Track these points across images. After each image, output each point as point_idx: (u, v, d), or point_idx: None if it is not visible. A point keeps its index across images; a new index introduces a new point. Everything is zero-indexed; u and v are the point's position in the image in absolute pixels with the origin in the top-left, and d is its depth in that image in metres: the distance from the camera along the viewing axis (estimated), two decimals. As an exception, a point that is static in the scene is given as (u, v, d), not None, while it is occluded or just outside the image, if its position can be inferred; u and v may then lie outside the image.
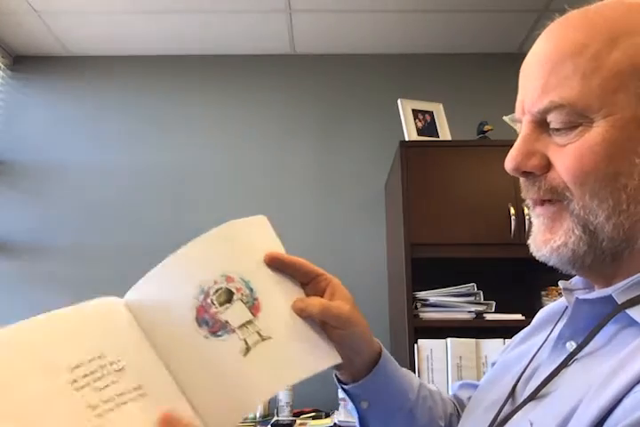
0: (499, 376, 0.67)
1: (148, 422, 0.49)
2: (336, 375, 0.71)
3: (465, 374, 1.98)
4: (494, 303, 2.10)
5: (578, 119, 0.51)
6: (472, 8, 2.52)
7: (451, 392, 0.84)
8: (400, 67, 2.83)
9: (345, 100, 2.80)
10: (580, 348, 0.52)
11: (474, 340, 2.01)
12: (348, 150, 2.73)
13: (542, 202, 0.56)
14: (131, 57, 2.84)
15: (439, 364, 2.00)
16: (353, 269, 2.47)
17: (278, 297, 0.61)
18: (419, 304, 2.09)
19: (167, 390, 0.53)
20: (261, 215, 0.68)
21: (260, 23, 2.62)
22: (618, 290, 0.51)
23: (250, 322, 0.57)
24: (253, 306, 0.59)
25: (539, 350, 0.62)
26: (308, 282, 0.65)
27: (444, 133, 2.33)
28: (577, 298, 0.56)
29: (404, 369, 0.74)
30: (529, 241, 0.58)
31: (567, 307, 0.62)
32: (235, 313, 0.57)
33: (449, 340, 2.01)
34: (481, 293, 2.12)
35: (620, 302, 0.51)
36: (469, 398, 0.75)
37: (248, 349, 0.56)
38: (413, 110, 2.33)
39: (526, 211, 2.03)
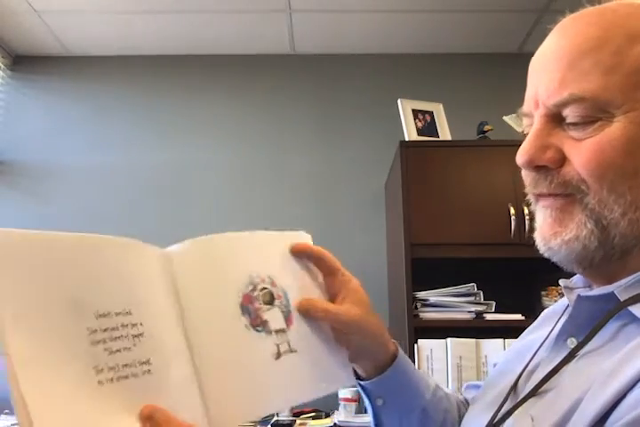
0: (500, 374, 0.67)
1: (135, 409, 0.45)
2: (354, 370, 0.71)
3: (465, 374, 1.98)
4: (494, 303, 2.10)
5: (597, 114, 0.51)
6: (472, 8, 2.52)
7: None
8: (400, 67, 2.83)
9: (345, 100, 2.80)
10: (581, 345, 0.53)
11: (474, 340, 2.01)
12: (348, 150, 2.73)
13: (550, 195, 0.55)
14: (131, 57, 2.84)
15: (439, 364, 2.00)
16: (353, 269, 2.46)
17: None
18: (419, 304, 2.09)
19: (178, 371, 0.49)
20: (307, 234, 0.70)
21: (259, 23, 2.62)
22: (620, 287, 0.51)
23: (283, 331, 0.57)
24: (288, 317, 0.59)
25: (540, 346, 0.62)
26: (328, 275, 0.68)
27: (444, 133, 2.33)
28: (579, 295, 0.56)
29: (420, 371, 0.75)
30: (535, 234, 0.57)
31: (568, 305, 0.62)
32: (274, 317, 0.57)
33: (449, 340, 2.01)
34: (481, 293, 2.12)
35: (622, 300, 0.51)
36: (474, 398, 0.75)
37: (279, 355, 0.56)
38: (413, 110, 2.33)
39: (526, 211, 2.03)
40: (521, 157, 0.55)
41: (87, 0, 2.43)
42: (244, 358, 0.53)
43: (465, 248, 2.08)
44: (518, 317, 2.06)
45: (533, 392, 0.54)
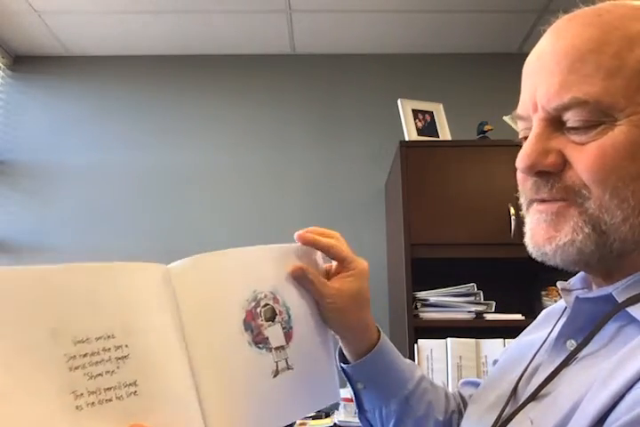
0: (500, 376, 0.67)
1: None
2: (340, 352, 0.73)
3: (465, 374, 1.98)
4: (494, 303, 2.10)
5: (600, 117, 0.50)
6: (472, 8, 2.52)
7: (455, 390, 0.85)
8: (400, 67, 2.83)
9: (345, 99, 2.80)
10: (580, 347, 0.52)
11: (474, 340, 2.01)
12: (348, 150, 2.73)
13: (550, 201, 0.54)
14: (131, 57, 2.84)
15: (439, 364, 2.00)
16: (353, 269, 2.46)
17: (306, 331, 0.62)
18: (419, 304, 2.09)
19: (175, 389, 0.48)
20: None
21: (260, 23, 2.62)
22: (618, 288, 0.51)
23: (282, 348, 0.57)
24: (288, 333, 0.58)
25: (539, 349, 0.62)
26: (338, 263, 0.70)
27: (444, 133, 2.33)
28: (577, 297, 0.55)
29: (407, 360, 0.76)
30: (525, 239, 0.56)
31: (566, 307, 0.62)
32: (275, 334, 0.57)
33: (449, 340, 2.01)
34: (481, 293, 2.12)
35: (620, 301, 0.51)
36: (471, 395, 0.75)
37: (277, 373, 0.55)
38: (413, 110, 2.33)
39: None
40: (522, 161, 0.53)
41: (87, 0, 2.43)
42: (246, 375, 0.53)
43: (465, 248, 2.08)
44: (518, 317, 2.06)
45: (533, 396, 0.53)
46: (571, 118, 0.51)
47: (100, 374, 0.45)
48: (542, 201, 0.54)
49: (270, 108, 2.79)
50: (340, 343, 0.72)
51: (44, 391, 0.42)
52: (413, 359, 2.00)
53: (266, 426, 0.56)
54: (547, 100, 0.52)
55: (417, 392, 0.73)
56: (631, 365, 0.45)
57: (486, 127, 2.29)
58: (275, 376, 0.55)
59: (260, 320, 0.56)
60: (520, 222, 2.05)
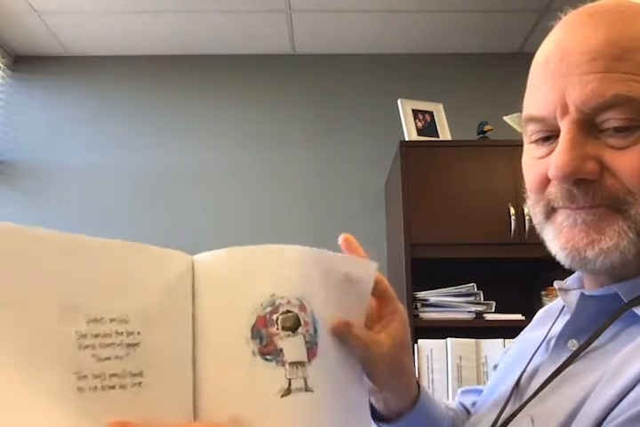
0: (501, 378, 0.67)
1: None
2: (372, 407, 0.63)
3: (465, 374, 1.98)
4: (494, 303, 2.10)
5: None
6: (472, 8, 2.52)
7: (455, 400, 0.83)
8: (400, 67, 2.83)
9: (345, 99, 2.80)
10: (584, 346, 0.52)
11: (474, 340, 2.01)
12: (348, 150, 2.73)
13: (590, 207, 0.50)
14: (131, 57, 2.83)
15: (439, 364, 2.00)
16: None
17: (336, 352, 0.51)
18: (419, 304, 2.09)
19: (175, 390, 0.45)
20: (375, 263, 0.58)
21: (259, 23, 2.62)
22: (624, 288, 0.51)
23: (302, 364, 0.47)
24: (312, 349, 0.48)
25: (538, 348, 0.61)
26: (378, 302, 0.60)
27: (444, 133, 2.33)
28: (582, 294, 0.55)
29: (435, 400, 0.69)
30: (553, 246, 0.53)
31: (564, 306, 0.62)
32: (293, 347, 0.47)
33: (449, 340, 2.01)
34: (481, 293, 2.12)
35: (626, 300, 0.50)
36: (473, 403, 0.74)
37: (288, 392, 0.46)
38: (413, 110, 2.33)
39: (526, 211, 2.02)
40: (560, 170, 0.49)
41: (87, 0, 2.43)
42: (243, 388, 0.46)
43: (465, 248, 2.08)
44: (518, 317, 2.06)
45: (535, 395, 0.53)
46: (612, 118, 0.48)
47: (107, 358, 0.42)
48: (582, 208, 0.51)
49: (270, 109, 2.78)
50: (373, 393, 0.61)
51: (46, 367, 0.39)
52: (413, 359, 2.00)
53: None
54: (582, 100, 0.49)
55: (449, 425, 0.68)
56: (637, 362, 0.44)
57: (486, 127, 2.29)
58: (284, 396, 0.46)
59: (273, 329, 0.47)
60: (520, 222, 2.05)
